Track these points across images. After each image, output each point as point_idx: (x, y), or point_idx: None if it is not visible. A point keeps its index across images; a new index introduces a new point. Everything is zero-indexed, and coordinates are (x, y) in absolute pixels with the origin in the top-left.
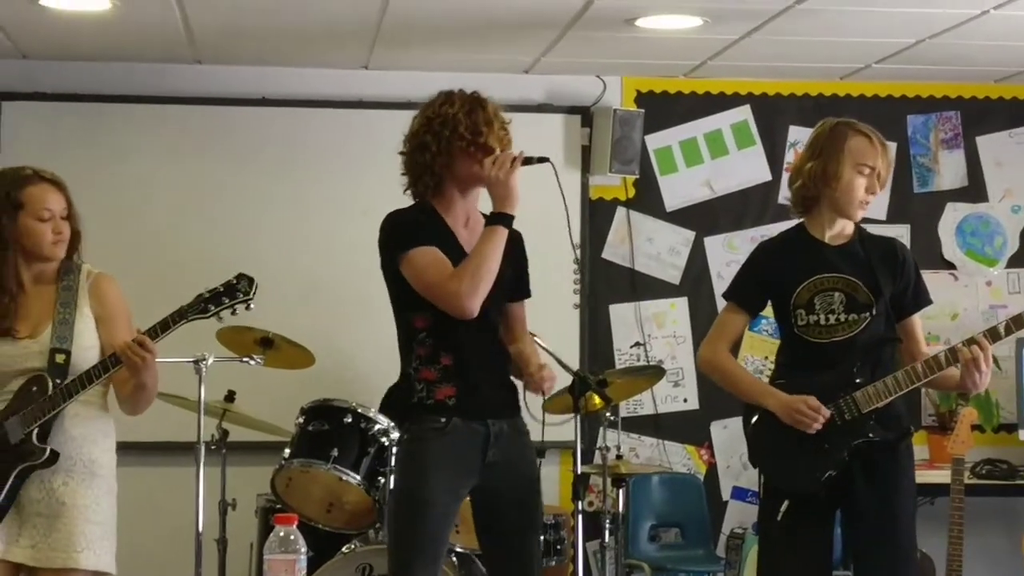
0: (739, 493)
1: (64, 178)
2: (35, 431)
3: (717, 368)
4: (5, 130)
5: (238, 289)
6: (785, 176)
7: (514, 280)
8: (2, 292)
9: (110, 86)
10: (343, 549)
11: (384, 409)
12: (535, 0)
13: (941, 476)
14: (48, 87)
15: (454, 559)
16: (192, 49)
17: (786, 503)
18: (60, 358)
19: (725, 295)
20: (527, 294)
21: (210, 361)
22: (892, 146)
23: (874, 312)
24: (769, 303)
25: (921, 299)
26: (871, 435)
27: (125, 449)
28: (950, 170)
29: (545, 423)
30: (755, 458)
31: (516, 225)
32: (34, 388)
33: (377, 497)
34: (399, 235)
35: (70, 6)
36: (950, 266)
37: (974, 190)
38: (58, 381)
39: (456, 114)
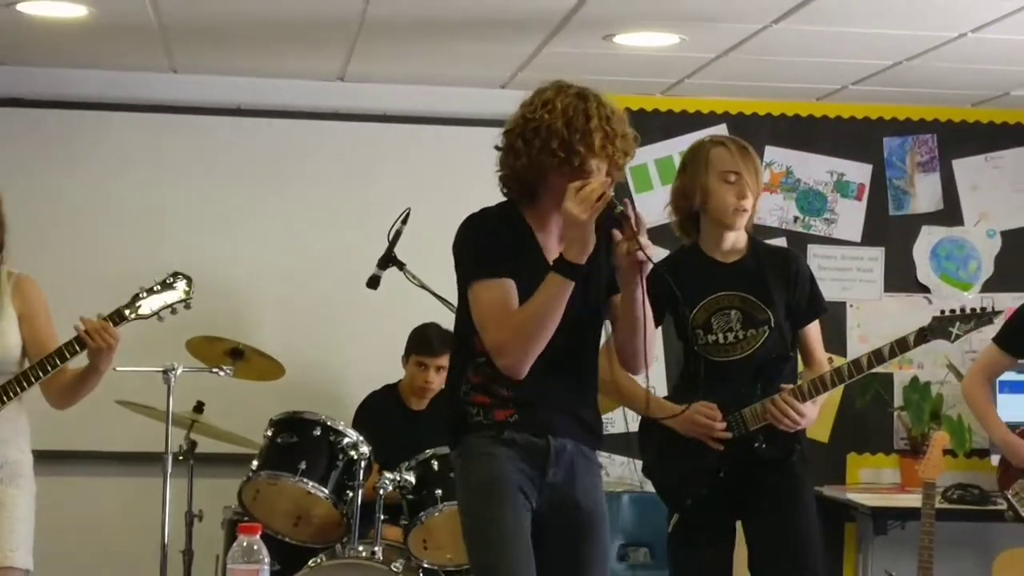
0: None
1: (37, 184)
2: None
3: (612, 384)
4: None
5: (175, 288)
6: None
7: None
8: None
9: (86, 93)
10: (309, 563)
11: (357, 419)
12: (512, 15)
13: (912, 500)
14: (24, 93)
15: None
16: (168, 58)
17: (676, 516)
18: None
19: None
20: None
21: (179, 371)
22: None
23: (771, 325)
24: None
25: (815, 308)
26: (757, 454)
27: (91, 459)
28: (926, 193)
29: None
30: (646, 470)
31: None
32: None
33: (345, 511)
34: (471, 256)
35: (47, 12)
36: (924, 289)
37: (949, 214)
38: None
39: (552, 124)
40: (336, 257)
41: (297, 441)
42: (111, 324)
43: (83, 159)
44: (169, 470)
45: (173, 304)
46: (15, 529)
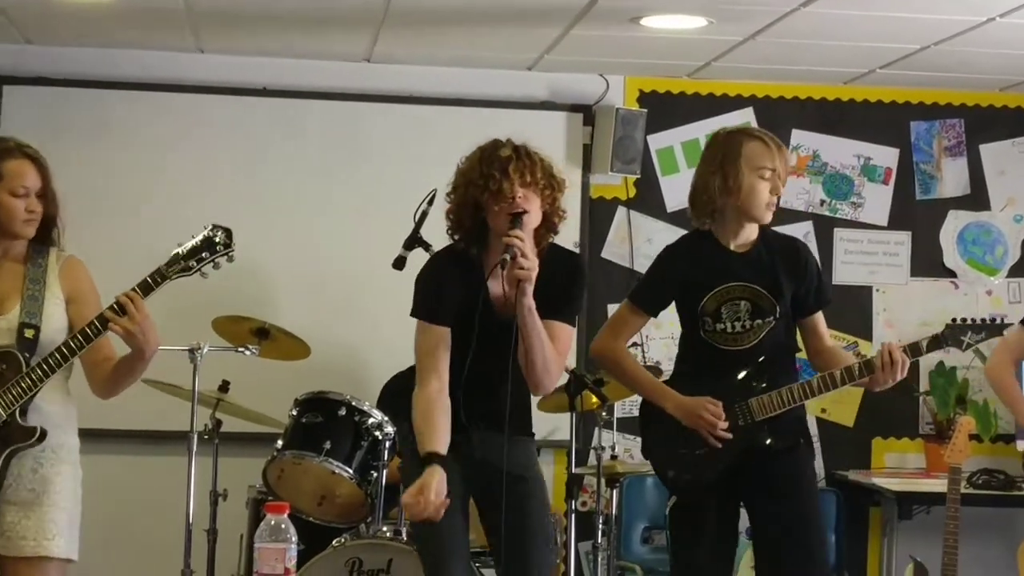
0: None
1: (63, 164)
2: (17, 411)
3: (615, 362)
4: (6, 114)
5: (216, 242)
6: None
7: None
8: None
9: (112, 72)
10: (333, 543)
11: (382, 399)
12: None
13: (938, 485)
14: (50, 72)
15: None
16: (195, 37)
17: (673, 499)
18: (29, 333)
19: (630, 295)
20: (554, 315)
21: (205, 350)
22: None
23: (777, 315)
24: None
25: (823, 298)
26: (763, 442)
27: (117, 437)
28: (953, 178)
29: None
30: (646, 452)
31: None
32: (3, 366)
33: (369, 491)
34: (418, 296)
35: None
36: (951, 274)
37: (976, 198)
38: (26, 355)
39: (471, 162)
40: (362, 237)
41: (322, 421)
42: (137, 295)
43: (109, 139)
44: (194, 449)
45: (215, 258)
46: (55, 518)
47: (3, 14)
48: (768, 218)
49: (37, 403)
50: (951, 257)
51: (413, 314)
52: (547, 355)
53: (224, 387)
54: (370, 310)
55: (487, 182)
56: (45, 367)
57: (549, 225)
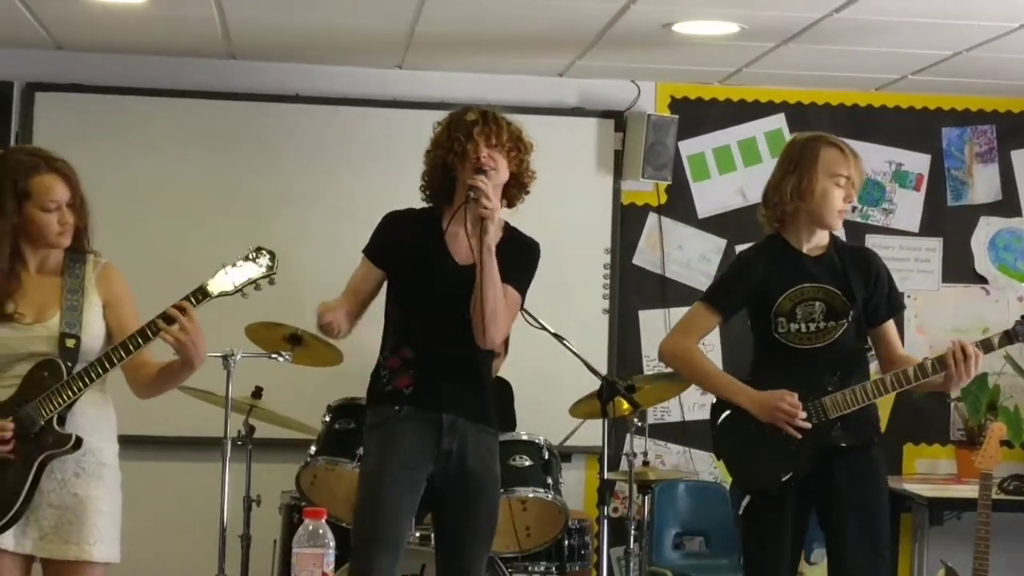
0: None
1: (95, 170)
2: (55, 418)
3: (687, 361)
4: (38, 120)
5: (258, 263)
6: None
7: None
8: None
9: (144, 79)
10: None
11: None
12: (571, 3)
13: (968, 491)
14: (82, 78)
15: None
16: (227, 44)
17: (747, 499)
18: (70, 343)
19: (705, 297)
20: (504, 280)
21: (238, 357)
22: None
23: (849, 318)
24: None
25: (894, 305)
26: (837, 441)
27: (151, 443)
28: (984, 184)
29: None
30: (720, 453)
31: (548, 229)
32: (45, 373)
33: None
34: (372, 234)
35: None
36: (982, 280)
37: (1008, 204)
38: (69, 364)
39: (441, 129)
40: None
41: (355, 427)
42: (190, 305)
43: (141, 145)
44: (228, 455)
45: (257, 279)
46: (96, 523)
47: (36, 20)
48: (838, 225)
49: (74, 409)
50: (982, 263)
51: (363, 251)
52: (498, 300)
53: (257, 393)
54: None
55: (453, 144)
56: (86, 377)
57: (520, 185)
